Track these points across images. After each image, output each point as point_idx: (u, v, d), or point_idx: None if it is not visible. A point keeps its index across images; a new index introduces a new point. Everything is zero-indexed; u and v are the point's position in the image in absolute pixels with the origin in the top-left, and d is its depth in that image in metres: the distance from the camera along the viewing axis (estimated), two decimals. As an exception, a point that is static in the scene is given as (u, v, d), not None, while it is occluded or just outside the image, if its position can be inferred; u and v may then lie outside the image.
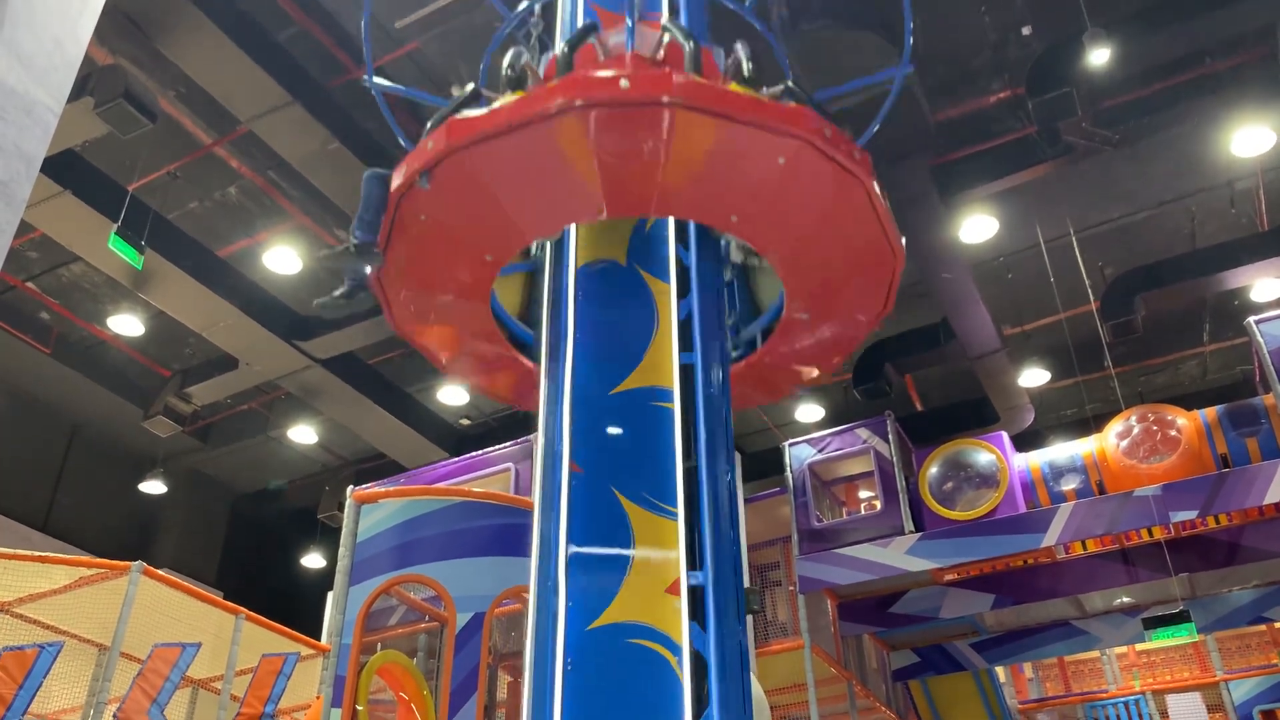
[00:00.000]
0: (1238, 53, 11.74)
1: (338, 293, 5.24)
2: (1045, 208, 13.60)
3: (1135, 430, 10.91)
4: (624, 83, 4.27)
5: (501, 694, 9.62)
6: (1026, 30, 11.66)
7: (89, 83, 10.52)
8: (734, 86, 4.56)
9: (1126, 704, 13.84)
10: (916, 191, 12.14)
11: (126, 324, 15.63)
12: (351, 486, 8.98)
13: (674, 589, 4.18)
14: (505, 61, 4.98)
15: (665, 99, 4.25)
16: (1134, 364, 16.65)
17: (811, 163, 4.49)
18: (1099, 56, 10.81)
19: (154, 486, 18.54)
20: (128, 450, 18.50)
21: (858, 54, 11.47)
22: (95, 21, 6.52)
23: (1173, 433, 10.71)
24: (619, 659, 4.05)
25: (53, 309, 15.54)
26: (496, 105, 4.53)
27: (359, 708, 8.09)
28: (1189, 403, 11.91)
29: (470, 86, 5.07)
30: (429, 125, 4.83)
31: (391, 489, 8.83)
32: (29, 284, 14.96)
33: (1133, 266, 14.44)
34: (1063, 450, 11.46)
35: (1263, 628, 13.55)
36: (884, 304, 5.21)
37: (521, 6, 5.94)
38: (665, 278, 4.94)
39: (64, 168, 11.78)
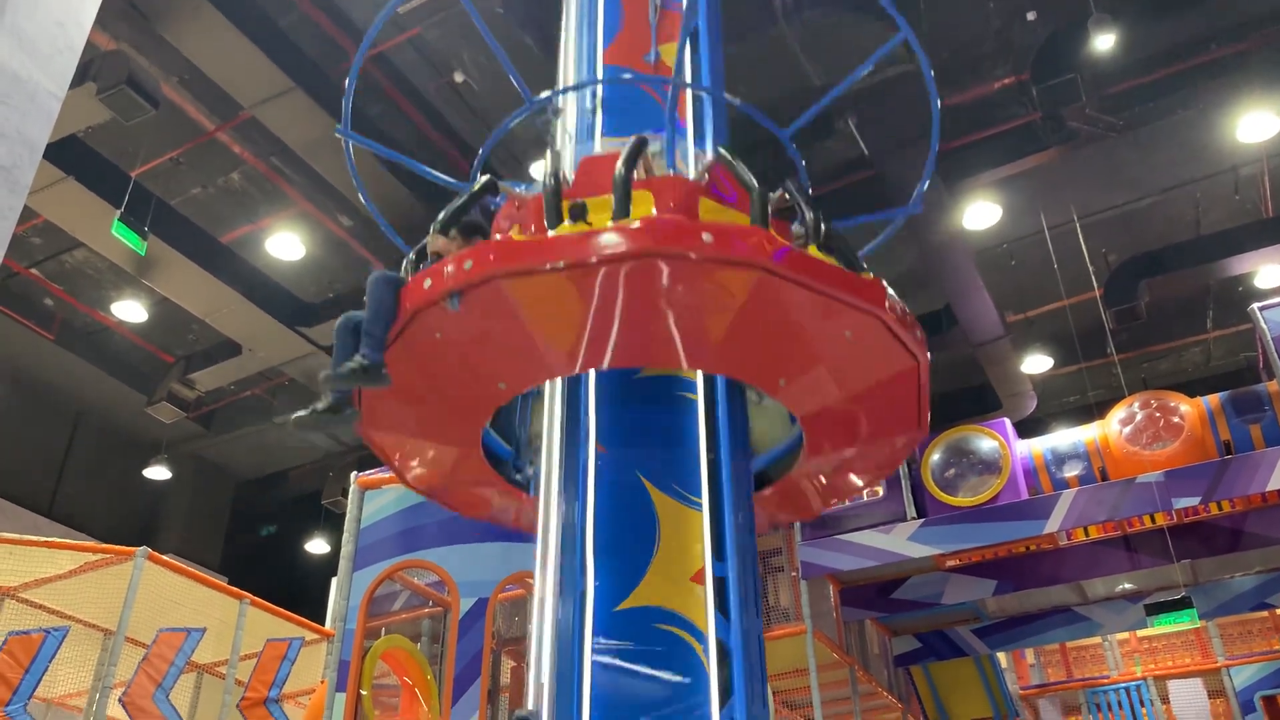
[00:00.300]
0: (1243, 38, 11.69)
1: (320, 407, 4.59)
2: (1049, 194, 13.58)
3: (1138, 417, 10.91)
4: (707, 236, 3.93)
5: (505, 679, 9.65)
6: (1031, 16, 11.61)
7: (91, 68, 10.51)
8: (814, 250, 4.23)
9: (1128, 690, 13.90)
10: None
11: (130, 310, 15.64)
12: (355, 473, 9.00)
13: (698, 578, 4.23)
14: (545, 167, 4.59)
15: (757, 263, 3.94)
16: (1137, 350, 16.64)
17: (877, 339, 4.35)
18: (1104, 42, 10.77)
19: (158, 472, 18.59)
20: (132, 436, 18.55)
21: (861, 40, 11.45)
22: (98, 7, 6.52)
23: (1175, 419, 10.71)
24: (646, 643, 4.09)
25: (56, 295, 15.56)
26: (555, 237, 4.09)
27: (363, 692, 8.13)
28: (1192, 389, 11.90)
29: (487, 178, 4.77)
30: (442, 219, 4.54)
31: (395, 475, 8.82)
32: (32, 270, 14.97)
33: (1137, 253, 14.42)
34: (1065, 437, 11.47)
35: (1265, 614, 13.59)
36: (888, 468, 5.16)
37: (541, 95, 5.69)
38: None
39: (67, 153, 11.78)
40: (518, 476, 5.23)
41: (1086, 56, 11.06)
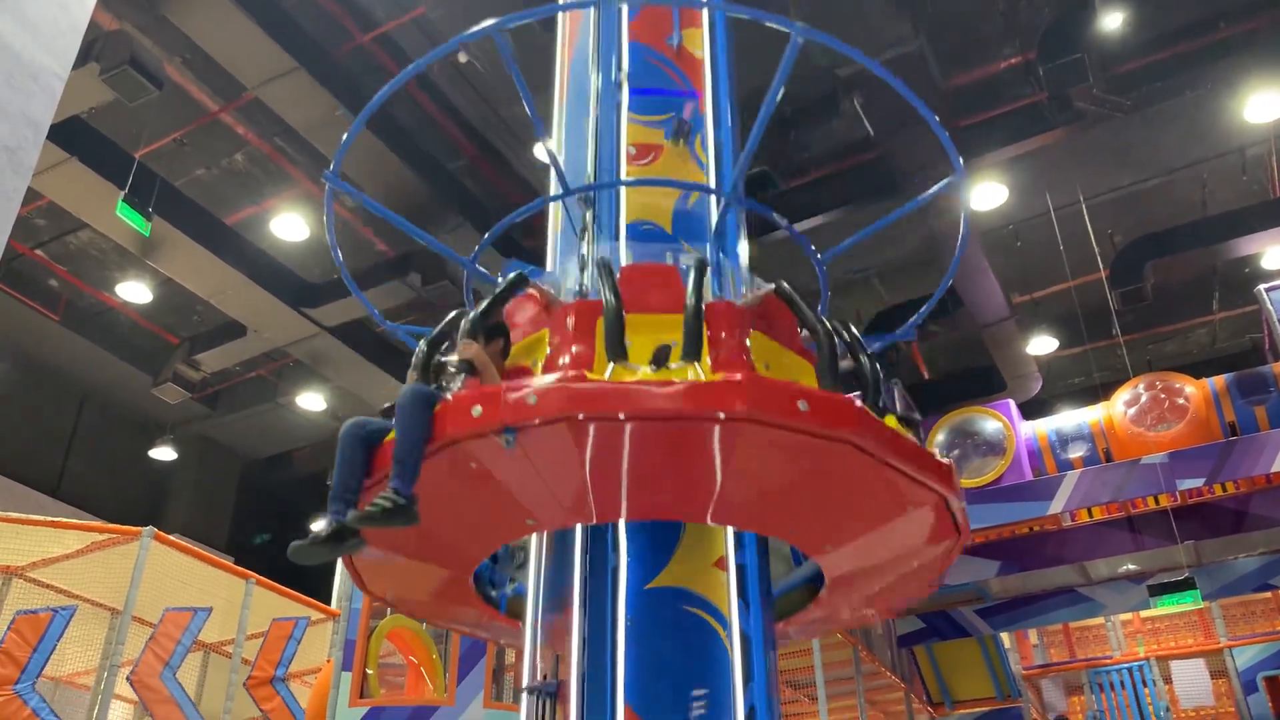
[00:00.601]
0: (1252, 17, 11.60)
1: (322, 535, 3.97)
2: (1055, 175, 13.52)
3: (1143, 398, 10.91)
4: (803, 405, 3.66)
5: (509, 659, 9.69)
6: (1038, -6, 11.54)
7: (94, 49, 10.47)
8: (891, 421, 4.04)
9: (1130, 670, 13.94)
10: (925, 159, 12.06)
11: (135, 291, 15.65)
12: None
13: (721, 564, 4.28)
14: (604, 289, 4.07)
15: (846, 436, 3.72)
16: (1143, 332, 16.59)
17: (935, 515, 4.19)
18: (1111, 21, 10.70)
19: (164, 453, 18.65)
20: (137, 417, 18.59)
21: (867, 17, 11.38)
22: (100, -13, 6.49)
23: (1180, 401, 10.70)
24: (675, 623, 4.12)
25: (61, 276, 15.57)
26: (639, 385, 3.69)
27: (369, 671, 8.17)
28: (1198, 371, 11.89)
29: (516, 275, 4.37)
30: (470, 323, 4.15)
31: (400, 456, 8.82)
32: (37, 251, 14.97)
33: (1143, 234, 14.36)
34: (1070, 418, 11.47)
35: (1268, 595, 13.60)
36: (931, 586, 4.86)
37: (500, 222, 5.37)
38: None
39: (70, 134, 11.75)
40: (493, 593, 4.89)
41: (1093, 36, 10.98)
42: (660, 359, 3.81)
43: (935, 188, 4.90)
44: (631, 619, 4.08)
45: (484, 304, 4.26)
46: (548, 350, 4.16)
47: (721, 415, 3.59)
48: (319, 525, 3.94)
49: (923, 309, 5.32)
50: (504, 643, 5.26)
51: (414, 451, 3.78)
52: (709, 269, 4.25)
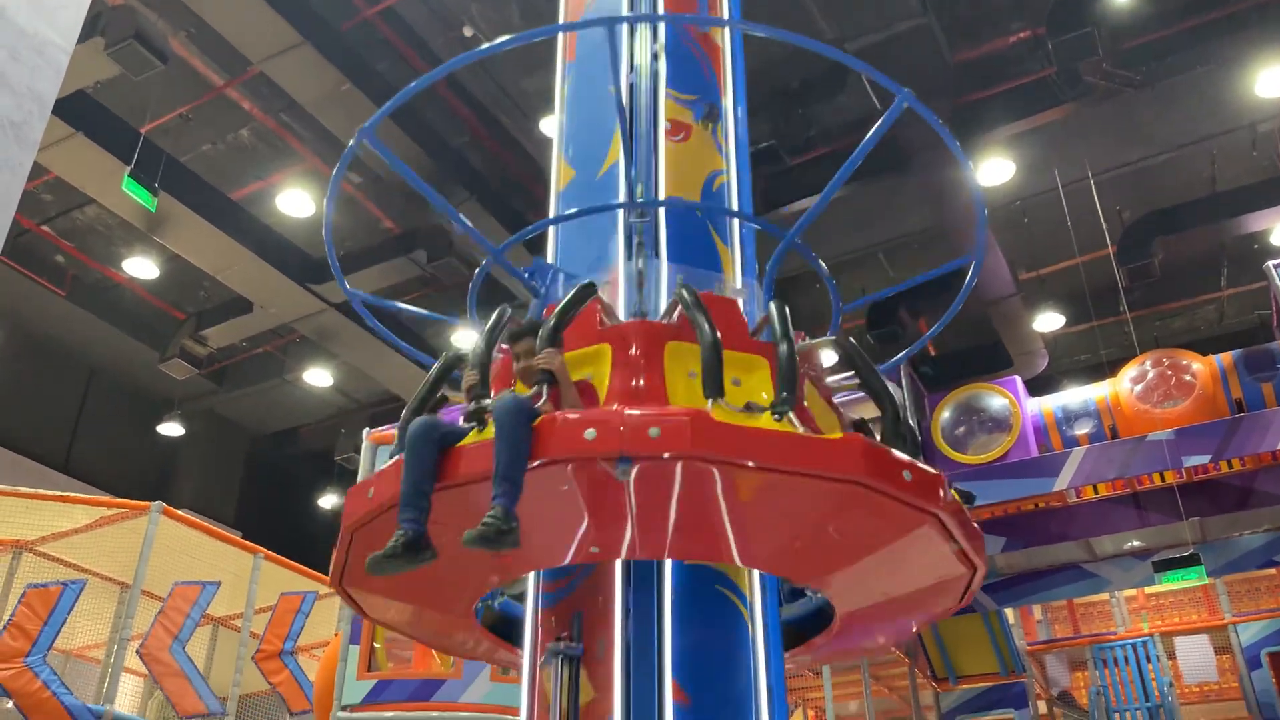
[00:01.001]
0: (1263, -9, 11.51)
1: (399, 544, 3.56)
2: (1063, 150, 13.45)
3: (1150, 375, 10.88)
4: (907, 475, 3.72)
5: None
6: (1048, -32, 11.45)
7: (99, 23, 10.44)
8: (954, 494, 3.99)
9: (1134, 646, 13.98)
10: (933, 135, 11.98)
11: (141, 267, 15.66)
12: (367, 429, 9.04)
13: None
14: (704, 332, 3.86)
15: (933, 509, 3.79)
16: (1150, 308, 16.54)
17: (932, 544, 4.03)
18: (1122, -5, 10.62)
19: (172, 429, 18.72)
20: (145, 392, 18.66)
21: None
22: (105, -40, 6.46)
23: (1187, 378, 10.67)
24: (710, 601, 4.17)
25: (67, 252, 15.58)
26: (771, 431, 3.58)
27: (376, 645, 8.23)
28: (1205, 348, 11.85)
29: (588, 282, 4.20)
30: (550, 330, 3.90)
31: (406, 431, 8.84)
32: (44, 227, 14.99)
33: (1151, 210, 14.29)
34: (1076, 395, 11.44)
35: (1272, 571, 13.59)
36: (957, 605, 4.67)
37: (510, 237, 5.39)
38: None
39: (76, 109, 11.73)
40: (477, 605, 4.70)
41: (1103, 10, 10.91)
42: (781, 409, 3.66)
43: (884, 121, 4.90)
44: (676, 594, 4.11)
45: (559, 312, 4.02)
46: (609, 369, 4.00)
47: (838, 476, 3.55)
48: (395, 538, 3.57)
49: (942, 319, 5.30)
50: (503, 661, 5.20)
51: (519, 466, 3.50)
52: (787, 314, 4.08)
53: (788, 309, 4.10)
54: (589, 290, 4.15)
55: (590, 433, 3.48)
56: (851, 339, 4.30)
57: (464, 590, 4.37)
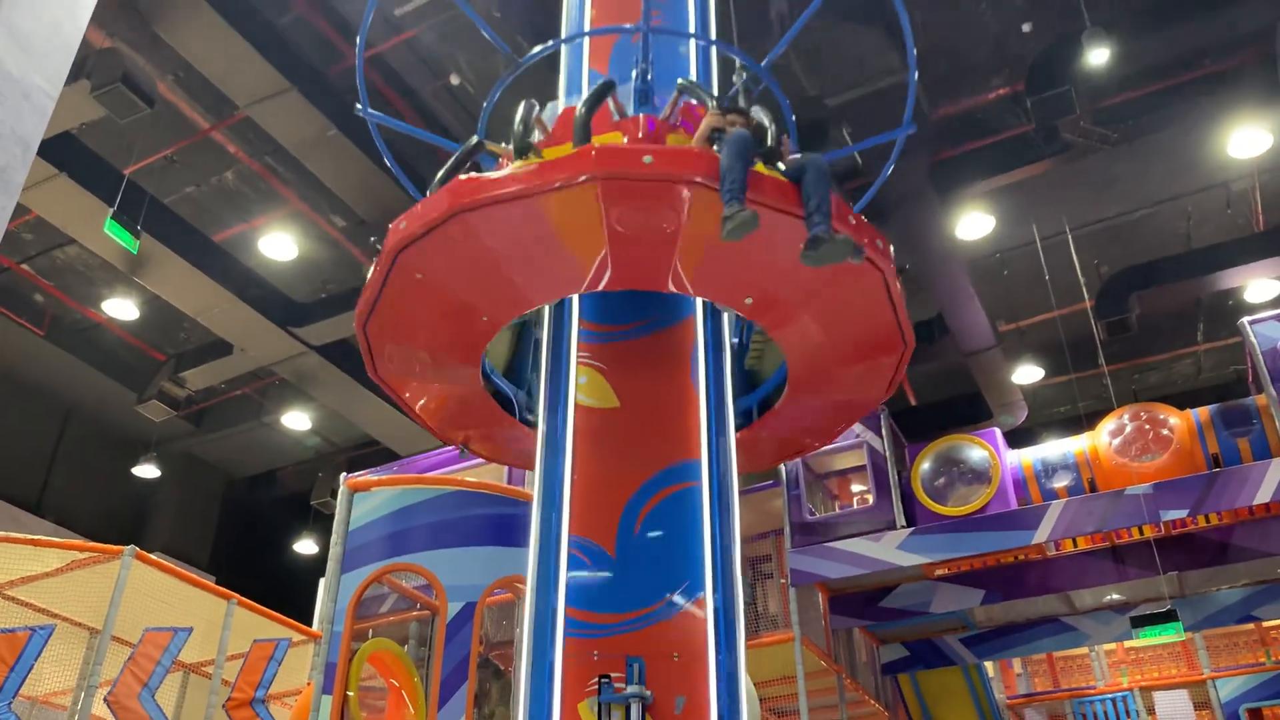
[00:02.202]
0: (1236, 54, 11.75)
1: (746, 211, 4.40)
2: (1042, 205, 13.62)
3: (1128, 428, 10.94)
4: (647, 159, 4.29)
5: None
6: (1027, 27, 11.66)
7: (86, 65, 10.48)
8: (760, 168, 4.51)
9: (1114, 700, 13.92)
10: (914, 187, 12.15)
11: (121, 308, 15.60)
12: (345, 474, 8.99)
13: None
14: (517, 116, 4.85)
15: (693, 178, 4.27)
16: (1128, 362, 16.69)
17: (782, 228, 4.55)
18: (1098, 55, 10.81)
19: (147, 470, 18.52)
20: (121, 434, 18.49)
21: (857, 48, 11.48)
22: (94, 4, 6.50)
23: (1165, 431, 10.73)
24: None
25: (47, 291, 15.51)
26: (507, 172, 4.43)
27: (350, 694, 8.11)
28: (1183, 402, 11.94)
29: (475, 139, 5.05)
30: (437, 179, 4.77)
31: (384, 477, 8.85)
32: (24, 266, 14.93)
33: (1128, 265, 14.47)
34: (1055, 447, 11.49)
35: (1251, 626, 13.61)
36: (887, 388, 5.21)
37: (532, 51, 5.89)
38: None
39: (60, 150, 11.74)
40: (529, 417, 5.47)
41: (1081, 69, 11.10)
42: (522, 147, 4.57)
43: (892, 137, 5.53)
44: None
45: (450, 164, 5.01)
46: None
47: (570, 180, 4.26)
48: (729, 211, 4.30)
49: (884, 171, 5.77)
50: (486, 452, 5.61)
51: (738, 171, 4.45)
52: (614, 88, 4.95)
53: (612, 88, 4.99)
54: (476, 146, 5.09)
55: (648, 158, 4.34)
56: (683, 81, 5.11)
57: (477, 326, 4.89)
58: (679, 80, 5.03)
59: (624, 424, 4.78)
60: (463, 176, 4.57)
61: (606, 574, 4.38)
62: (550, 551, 4.47)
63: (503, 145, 4.99)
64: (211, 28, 10.55)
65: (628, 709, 4.05)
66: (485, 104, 5.80)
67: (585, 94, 4.92)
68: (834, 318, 4.85)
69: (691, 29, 5.99)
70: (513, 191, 4.26)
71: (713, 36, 6.20)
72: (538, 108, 5.08)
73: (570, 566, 4.41)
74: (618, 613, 4.33)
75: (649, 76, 5.19)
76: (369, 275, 4.84)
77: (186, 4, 10.37)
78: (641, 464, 4.67)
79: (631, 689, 4.07)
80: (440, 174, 4.80)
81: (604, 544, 4.46)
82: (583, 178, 4.15)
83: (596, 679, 4.12)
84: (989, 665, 14.13)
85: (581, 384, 4.83)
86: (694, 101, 5.08)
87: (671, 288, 4.73)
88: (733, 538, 4.65)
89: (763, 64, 5.72)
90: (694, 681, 4.22)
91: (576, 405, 4.83)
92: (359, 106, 5.93)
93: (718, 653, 4.28)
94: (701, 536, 4.57)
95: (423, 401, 5.49)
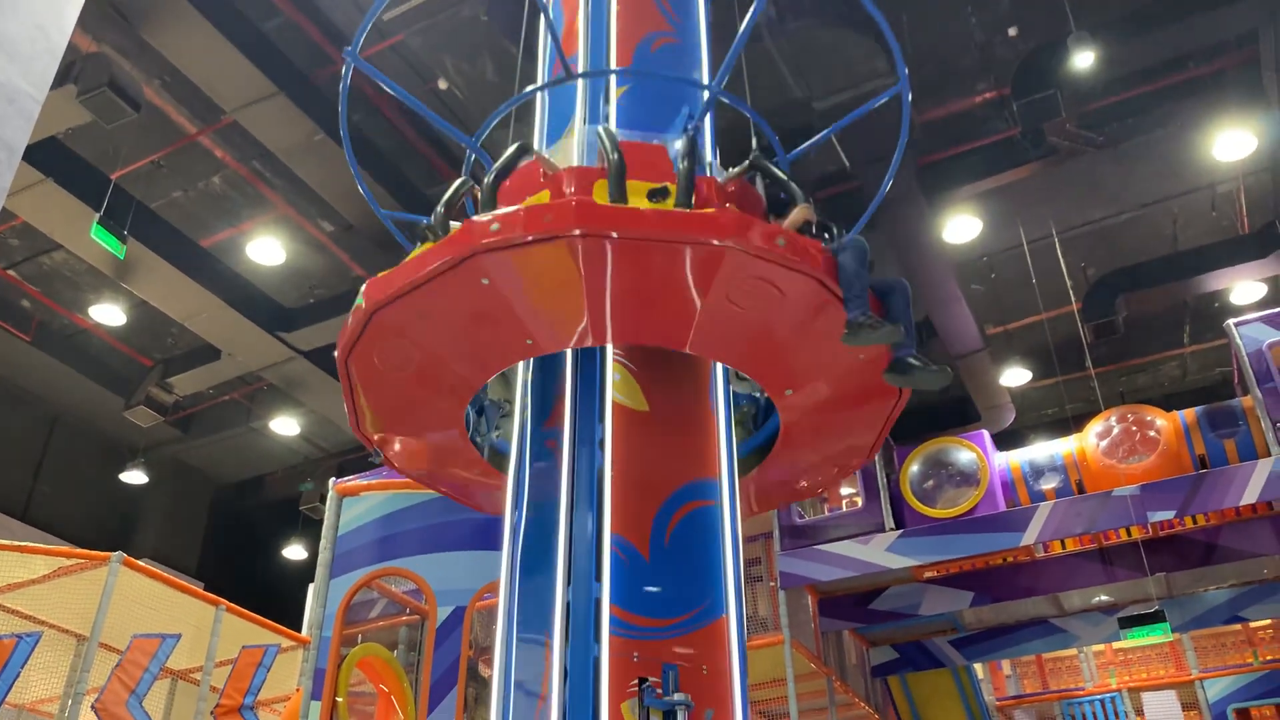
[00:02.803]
0: (1220, 57, 11.83)
1: (875, 320, 4.63)
2: (1029, 208, 13.67)
3: (1115, 430, 10.98)
4: (494, 226, 4.31)
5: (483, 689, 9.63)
6: (1012, 31, 11.71)
7: (73, 70, 10.45)
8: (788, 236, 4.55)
9: (1103, 701, 13.97)
10: (901, 191, 12.19)
11: (108, 313, 15.54)
12: (333, 479, 8.97)
13: None
14: (447, 193, 4.84)
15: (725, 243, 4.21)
16: (1115, 364, 16.76)
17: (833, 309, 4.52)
18: (1084, 59, 10.87)
19: (135, 476, 18.44)
20: (109, 440, 18.41)
21: (844, 52, 11.51)
22: (79, 9, 6.49)
23: (1152, 433, 10.78)
24: None
25: (33, 297, 15.44)
26: (409, 258, 4.41)
27: (339, 700, 8.09)
28: (1169, 403, 12.00)
29: (518, 144, 5.02)
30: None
31: (373, 482, 8.82)
32: (10, 271, 14.86)
33: (1115, 268, 14.54)
34: (1043, 449, 11.53)
35: (1238, 626, 13.67)
36: (878, 439, 5.22)
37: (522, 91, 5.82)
38: None
39: (46, 155, 11.70)
40: (478, 439, 5.38)
41: (1066, 73, 11.16)
42: (655, 197, 4.32)
43: (879, 97, 5.40)
44: None
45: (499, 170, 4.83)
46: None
47: (714, 241, 4.09)
48: (865, 317, 4.47)
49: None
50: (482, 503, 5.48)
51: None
52: (698, 145, 4.75)
53: (704, 143, 4.89)
54: (522, 150, 4.93)
55: (495, 225, 4.21)
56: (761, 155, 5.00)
57: (453, 389, 4.81)
58: (754, 154, 5.04)
59: (655, 429, 4.72)
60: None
61: (643, 577, 4.35)
62: (588, 543, 4.37)
63: (545, 159, 4.95)
64: (198, 32, 10.53)
65: (675, 715, 4.02)
66: (473, 139, 5.67)
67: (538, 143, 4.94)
68: (842, 381, 4.85)
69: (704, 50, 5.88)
70: (412, 281, 4.26)
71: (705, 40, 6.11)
72: (471, 184, 5.04)
73: (610, 563, 4.37)
74: (654, 617, 4.29)
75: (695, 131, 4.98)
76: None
77: (173, 9, 10.34)
78: (670, 473, 4.63)
79: (678, 695, 4.06)
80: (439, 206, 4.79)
81: (639, 546, 4.40)
82: (464, 257, 4.15)
83: (637, 680, 4.09)
84: (978, 667, 14.17)
85: (616, 380, 4.76)
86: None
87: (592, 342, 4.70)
88: (740, 562, 4.65)
89: (719, 82, 5.51)
90: (721, 696, 4.20)
91: (614, 401, 4.72)
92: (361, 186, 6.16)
93: (741, 670, 4.30)
94: (723, 556, 4.56)
95: (388, 420, 5.40)
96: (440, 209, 4.58)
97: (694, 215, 4.17)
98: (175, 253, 13.51)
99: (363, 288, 4.50)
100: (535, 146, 5.68)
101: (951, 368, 15.30)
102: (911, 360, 4.63)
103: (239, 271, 14.52)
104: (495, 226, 4.17)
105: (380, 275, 4.48)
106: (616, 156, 4.41)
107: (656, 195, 4.32)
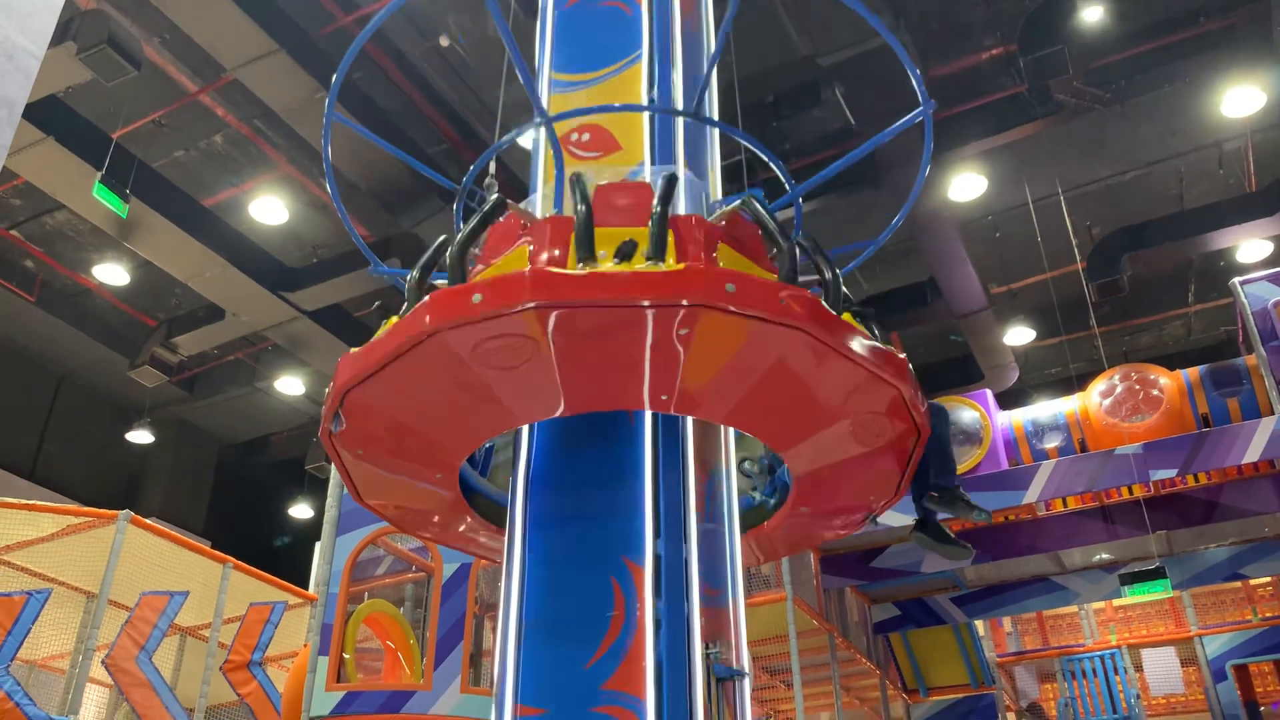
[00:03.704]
0: (1230, 13, 11.69)
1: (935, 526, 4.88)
2: (1034, 166, 13.60)
3: (1118, 389, 11.00)
4: (476, 297, 3.87)
5: (487, 643, 9.73)
6: (1020, -14, 11.59)
7: (72, 27, 10.36)
8: (848, 316, 4.14)
9: (1103, 658, 14.12)
10: (906, 149, 12.11)
11: (112, 273, 15.53)
12: (339, 438, 8.99)
13: None
14: (423, 258, 4.44)
15: (803, 326, 3.89)
16: (1119, 323, 16.73)
17: (886, 409, 4.27)
18: (1092, 14, 10.77)
19: (141, 436, 18.54)
20: (114, 400, 18.49)
21: (850, 10, 11.38)
22: (78, -35, 6.43)
23: (1155, 392, 10.79)
24: None
25: (37, 257, 15.43)
26: (375, 337, 4.12)
27: (346, 656, 8.18)
28: (1173, 362, 11.99)
29: (496, 198, 4.68)
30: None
31: (378, 440, 8.83)
32: (12, 231, 14.84)
33: (1120, 226, 14.47)
34: (1046, 408, 11.55)
35: (1238, 584, 13.78)
36: (896, 491, 4.92)
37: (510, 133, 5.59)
38: None
39: (47, 113, 11.64)
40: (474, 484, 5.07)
41: (1074, 29, 11.05)
42: (624, 255, 3.86)
43: (903, 122, 4.89)
44: None
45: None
46: (528, 261, 4.21)
47: (683, 302, 3.68)
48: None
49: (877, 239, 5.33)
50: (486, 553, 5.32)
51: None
52: (679, 182, 4.32)
53: (678, 183, 4.30)
54: (500, 205, 4.43)
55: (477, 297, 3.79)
56: (755, 199, 4.36)
57: (449, 450, 4.49)
58: (749, 194, 4.43)
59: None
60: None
61: (702, 541, 4.32)
62: (677, 495, 4.20)
63: (523, 210, 4.64)
64: (198, -11, 10.44)
65: (735, 685, 3.94)
66: (472, 168, 5.39)
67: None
68: (846, 441, 4.61)
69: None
70: (378, 361, 3.98)
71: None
72: (450, 244, 4.81)
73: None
74: (708, 585, 4.26)
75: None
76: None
77: (172, -36, 10.26)
78: (708, 448, 4.48)
79: (736, 666, 3.98)
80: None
81: (699, 509, 4.26)
82: (428, 334, 3.83)
83: (704, 645, 4.07)
84: (979, 624, 14.30)
85: None
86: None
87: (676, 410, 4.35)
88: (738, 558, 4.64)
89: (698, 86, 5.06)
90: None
91: None
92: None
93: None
94: (735, 545, 4.53)
95: (384, 491, 5.19)
96: (415, 273, 4.26)
97: (658, 276, 3.80)
98: (178, 212, 13.47)
99: (338, 362, 4.20)
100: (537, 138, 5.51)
101: (956, 327, 15.42)
102: (945, 529, 4.68)
103: (242, 231, 14.48)
104: (477, 298, 3.83)
105: (352, 352, 4.18)
106: (584, 209, 4.06)
107: (623, 252, 3.95)
